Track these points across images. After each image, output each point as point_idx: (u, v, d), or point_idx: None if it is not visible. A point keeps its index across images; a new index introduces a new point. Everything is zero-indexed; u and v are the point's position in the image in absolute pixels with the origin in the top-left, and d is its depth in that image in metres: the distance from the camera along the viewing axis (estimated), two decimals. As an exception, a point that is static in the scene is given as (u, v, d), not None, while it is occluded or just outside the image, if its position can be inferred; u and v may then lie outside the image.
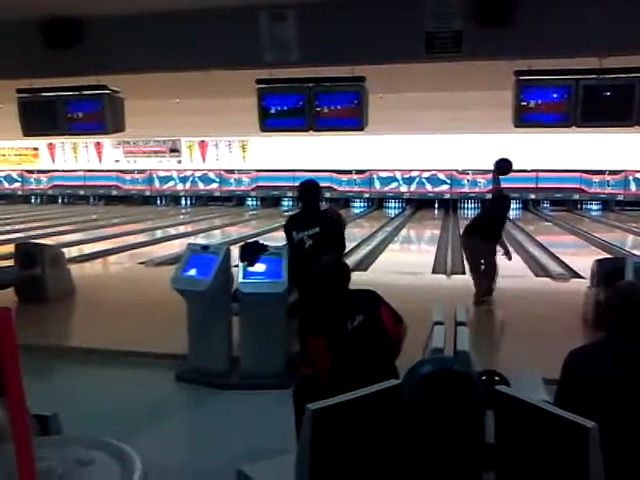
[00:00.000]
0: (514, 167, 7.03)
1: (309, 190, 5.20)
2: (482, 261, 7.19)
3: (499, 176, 7.20)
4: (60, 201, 26.19)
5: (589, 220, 19.31)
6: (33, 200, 26.68)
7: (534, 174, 21.03)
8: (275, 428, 3.43)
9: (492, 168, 7.23)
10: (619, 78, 5.83)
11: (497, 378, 2.55)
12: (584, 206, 22.35)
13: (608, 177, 21.82)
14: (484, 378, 2.52)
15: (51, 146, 25.31)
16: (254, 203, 24.67)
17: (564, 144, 19.78)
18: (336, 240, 5.05)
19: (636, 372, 2.30)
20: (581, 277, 8.34)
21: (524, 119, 6.19)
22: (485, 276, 7.19)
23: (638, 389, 2.26)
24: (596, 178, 21.88)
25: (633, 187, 21.85)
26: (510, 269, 8.80)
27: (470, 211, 22.66)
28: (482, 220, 7.56)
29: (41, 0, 5.48)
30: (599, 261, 6.52)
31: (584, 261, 8.00)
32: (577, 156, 20.72)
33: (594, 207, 22.36)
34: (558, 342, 3.04)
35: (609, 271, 5.66)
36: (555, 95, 6.04)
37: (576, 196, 21.96)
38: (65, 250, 9.03)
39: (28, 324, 6.25)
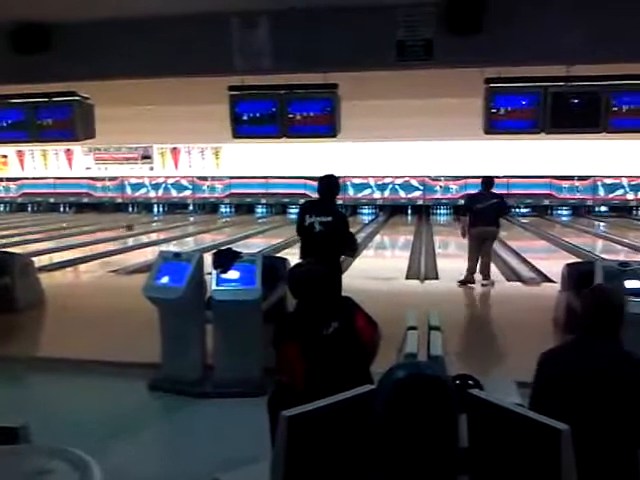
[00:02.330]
0: (486, 174, 7.95)
1: (327, 183, 5.73)
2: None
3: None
4: (30, 209, 25.80)
5: (559, 225, 19.62)
6: (2, 208, 26.26)
7: (505, 180, 21.36)
8: (250, 436, 3.40)
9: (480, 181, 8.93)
10: (586, 85, 5.95)
11: (471, 382, 2.56)
12: (554, 211, 22.71)
13: (577, 183, 22.23)
14: (458, 382, 2.54)
15: (20, 153, 24.95)
16: (227, 210, 24.59)
17: (534, 150, 20.11)
18: (343, 232, 5.61)
19: (606, 373, 2.33)
20: (552, 281, 8.45)
21: (494, 126, 6.27)
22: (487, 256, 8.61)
23: (608, 390, 2.30)
24: (565, 184, 22.27)
25: (601, 192, 22.27)
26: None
27: (442, 217, 22.89)
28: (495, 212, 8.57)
29: (9, 5, 5.40)
30: (569, 265, 6.61)
31: (555, 265, 8.12)
32: (547, 162, 21.07)
33: (564, 212, 22.74)
34: (530, 345, 3.07)
35: (579, 274, 5.74)
36: (524, 102, 6.13)
37: (546, 202, 22.31)
38: (35, 259, 8.89)
39: (-3, 334, 6.15)
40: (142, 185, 24.90)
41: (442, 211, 23.12)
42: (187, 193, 24.72)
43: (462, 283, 8.54)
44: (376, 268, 11.17)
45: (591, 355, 2.41)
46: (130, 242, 15.78)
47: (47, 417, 3.43)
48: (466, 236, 8.64)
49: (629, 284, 4.57)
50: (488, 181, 8.75)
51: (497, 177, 8.82)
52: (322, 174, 6.01)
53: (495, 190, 8.86)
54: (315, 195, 6.13)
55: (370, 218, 22.55)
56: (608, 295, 2.58)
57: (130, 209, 25.35)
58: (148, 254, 11.92)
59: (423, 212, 22.73)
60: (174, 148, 24.04)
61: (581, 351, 2.45)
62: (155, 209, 25.32)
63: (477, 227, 8.40)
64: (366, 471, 2.22)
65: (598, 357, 2.39)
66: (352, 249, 5.98)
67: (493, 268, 8.67)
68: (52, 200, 25.64)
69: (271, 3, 5.55)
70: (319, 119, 6.47)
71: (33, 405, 4.24)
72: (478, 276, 8.55)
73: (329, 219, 5.52)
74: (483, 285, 8.52)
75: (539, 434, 1.93)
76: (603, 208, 22.57)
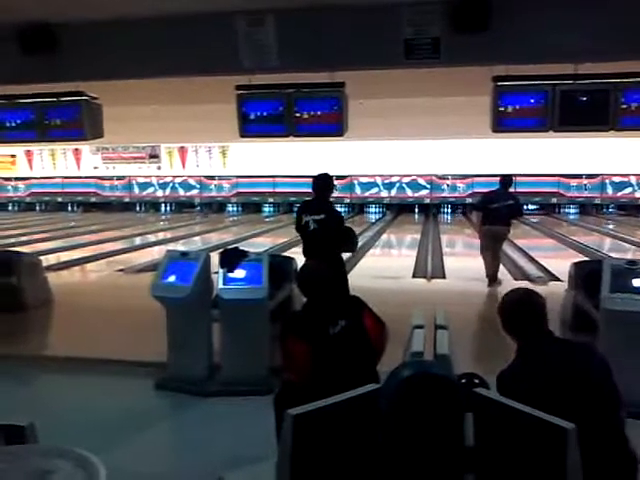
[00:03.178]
0: (493, 172, 7.91)
1: (320, 182, 5.85)
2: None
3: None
4: (38, 208, 25.91)
5: (567, 223, 19.53)
6: (10, 207, 26.36)
7: (513, 179, 21.26)
8: (256, 435, 3.41)
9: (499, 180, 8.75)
10: (595, 83, 5.92)
11: (476, 381, 2.55)
12: (562, 210, 22.62)
13: (585, 181, 22.12)
14: (464, 381, 2.53)
15: (29, 153, 25.05)
16: (235, 209, 24.62)
17: (542, 149, 20.02)
18: (337, 229, 5.73)
19: (565, 365, 2.38)
20: (559, 280, 8.42)
21: (502, 124, 6.25)
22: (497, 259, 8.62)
23: (573, 378, 2.34)
24: (574, 182, 22.16)
25: (610, 190, 22.16)
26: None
27: (449, 215, 22.83)
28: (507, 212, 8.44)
29: (17, 6, 5.43)
30: (577, 264, 6.57)
31: (562, 264, 8.08)
32: (555, 160, 20.97)
33: (572, 210, 22.64)
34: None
35: (587, 273, 5.71)
36: (532, 100, 6.10)
37: (554, 200, 22.21)
38: (43, 258, 8.93)
39: (5, 333, 6.18)
40: (150, 184, 24.95)
41: (449, 209, 23.09)
42: (194, 192, 24.76)
43: (490, 284, 8.44)
44: (383, 267, 11.16)
45: (540, 356, 2.44)
46: (137, 241, 15.83)
47: (54, 416, 3.44)
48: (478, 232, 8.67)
49: (637, 283, 4.54)
50: (508, 181, 8.66)
51: (504, 175, 8.67)
52: (330, 173, 6.06)
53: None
54: None
55: (377, 217, 22.53)
56: (523, 294, 2.65)
57: (138, 208, 25.42)
58: (155, 253, 11.95)
59: (430, 211, 22.68)
60: (181, 147, 24.07)
61: (529, 356, 2.49)
62: (162, 208, 25.38)
63: (488, 225, 8.37)
64: (372, 469, 2.22)
65: (547, 355, 2.45)
66: (351, 243, 6.01)
67: (501, 267, 8.62)
68: (60, 199, 25.73)
69: (277, 2, 5.55)
70: (326, 118, 6.46)
71: (40, 404, 4.27)
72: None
73: (322, 217, 5.67)
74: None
75: (545, 433, 1.93)
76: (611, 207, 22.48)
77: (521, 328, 2.54)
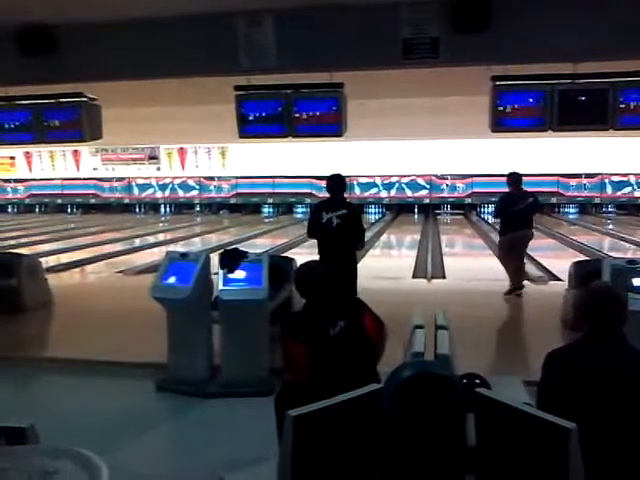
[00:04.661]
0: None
1: (336, 181, 6.14)
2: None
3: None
4: (37, 210, 25.91)
5: (567, 223, 19.53)
6: (10, 209, 26.36)
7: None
8: (257, 436, 3.41)
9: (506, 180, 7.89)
10: (593, 83, 5.91)
11: (478, 381, 2.55)
12: (562, 209, 22.63)
13: (585, 180, 22.12)
14: (465, 381, 2.53)
15: (28, 155, 25.05)
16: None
17: (541, 148, 20.01)
18: (357, 223, 6.08)
19: (614, 370, 2.32)
20: (559, 279, 8.42)
21: (501, 124, 6.25)
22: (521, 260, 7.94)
23: (615, 388, 2.28)
24: (573, 182, 22.17)
25: (609, 190, 22.16)
26: (490, 272, 8.88)
27: (449, 216, 22.84)
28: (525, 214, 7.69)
29: (15, 8, 5.42)
30: (577, 263, 6.58)
31: (562, 264, 8.08)
32: (554, 160, 20.97)
33: (572, 210, 22.65)
34: (538, 344, 3.06)
35: (587, 273, 5.71)
36: (531, 100, 6.10)
37: (554, 199, 22.21)
38: (42, 260, 8.92)
39: (5, 335, 6.18)
40: (149, 185, 24.96)
41: (448, 209, 23.12)
42: (194, 193, 24.76)
43: (508, 293, 7.74)
44: (383, 267, 11.16)
45: (598, 352, 2.39)
46: (137, 242, 15.82)
47: (54, 417, 3.44)
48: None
49: (637, 282, 4.54)
50: (518, 179, 7.73)
51: (503, 175, 8.24)
52: (329, 173, 6.21)
53: (507, 189, 7.89)
54: (321, 195, 6.28)
55: (377, 217, 22.53)
56: (611, 292, 2.56)
57: (137, 210, 25.42)
58: (155, 254, 11.94)
59: (430, 211, 22.69)
60: (181, 148, 24.08)
61: (588, 349, 2.43)
62: (162, 209, 25.37)
63: (511, 232, 7.59)
64: (373, 470, 2.22)
65: (607, 354, 2.38)
66: (361, 242, 6.24)
67: (501, 266, 8.25)
68: (59, 201, 25.75)
69: (276, 2, 5.55)
70: (325, 118, 6.46)
71: (41, 405, 4.26)
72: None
73: (344, 212, 5.89)
74: (515, 294, 7.70)
75: (547, 433, 1.93)
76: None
77: (598, 319, 2.45)
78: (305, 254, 5.71)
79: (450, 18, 5.41)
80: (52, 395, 4.78)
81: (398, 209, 23.21)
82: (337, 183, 6.13)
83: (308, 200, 21.76)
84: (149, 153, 24.38)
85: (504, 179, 7.92)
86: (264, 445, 2.94)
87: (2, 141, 7.58)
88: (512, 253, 7.78)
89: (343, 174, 6.35)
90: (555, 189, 22.15)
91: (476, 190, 22.21)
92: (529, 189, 8.50)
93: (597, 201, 22.40)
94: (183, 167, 24.46)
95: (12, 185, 25.96)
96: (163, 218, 23.79)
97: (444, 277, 9.82)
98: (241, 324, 4.69)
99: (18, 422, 1.96)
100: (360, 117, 7.62)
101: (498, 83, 6.10)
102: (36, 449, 1.82)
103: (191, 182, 24.59)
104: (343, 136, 6.66)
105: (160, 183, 24.83)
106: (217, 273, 4.83)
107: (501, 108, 6.14)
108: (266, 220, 22.06)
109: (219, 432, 4.03)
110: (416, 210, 23.26)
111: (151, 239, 16.62)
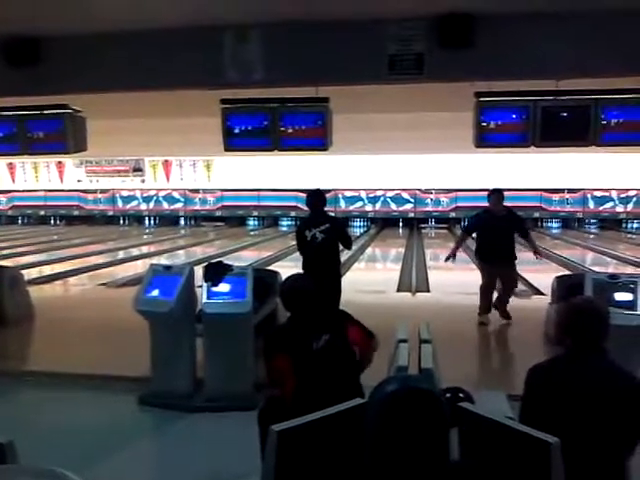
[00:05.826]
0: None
1: (314, 197, 6.26)
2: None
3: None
4: (20, 222, 25.67)
5: (549, 237, 19.69)
6: (-8, 221, 26.12)
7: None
8: (240, 451, 3.38)
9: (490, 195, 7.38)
10: (575, 99, 5.99)
11: (461, 395, 2.55)
12: (544, 224, 22.83)
13: (567, 195, 22.37)
14: (448, 395, 2.53)
15: (11, 166, 24.85)
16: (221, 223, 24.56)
17: (524, 163, 20.22)
18: (342, 233, 6.29)
19: (594, 385, 2.33)
20: (542, 294, 8.48)
21: (484, 139, 6.30)
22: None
23: (596, 402, 2.30)
24: (556, 196, 22.41)
25: (591, 205, 22.42)
26: (474, 286, 8.91)
27: (433, 230, 22.95)
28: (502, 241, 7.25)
29: (1, 19, 5.40)
30: (559, 277, 6.63)
31: (545, 278, 8.14)
32: (537, 175, 21.19)
33: (554, 225, 22.86)
34: (521, 358, 3.08)
35: (569, 287, 5.76)
36: (514, 116, 6.17)
37: (536, 214, 22.42)
38: (24, 272, 8.83)
39: (-15, 348, 6.10)
40: (133, 198, 24.86)
41: (433, 224, 23.25)
42: (179, 206, 24.69)
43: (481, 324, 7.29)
44: (367, 280, 11.18)
45: (579, 367, 2.41)
46: (121, 255, 15.71)
47: (34, 432, 3.40)
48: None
49: (619, 296, 4.58)
50: (501, 193, 7.33)
51: (487, 190, 7.95)
52: (314, 187, 6.29)
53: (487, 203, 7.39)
54: (306, 208, 6.30)
55: (362, 231, 22.58)
56: (592, 306, 2.58)
57: (121, 222, 25.28)
58: (138, 267, 11.87)
59: (415, 225, 22.80)
60: (166, 161, 24.02)
61: (567, 364, 2.45)
62: (147, 222, 25.25)
63: (488, 257, 7.27)
64: (357, 485, 2.20)
65: (586, 369, 2.40)
66: (348, 246, 6.44)
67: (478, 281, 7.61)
68: (42, 213, 25.55)
69: (263, 16, 5.58)
70: (311, 132, 6.48)
71: (20, 420, 4.20)
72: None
73: (328, 226, 6.02)
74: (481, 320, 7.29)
75: (529, 447, 1.93)
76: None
77: (578, 334, 2.46)
78: (290, 267, 5.71)
79: (435, 35, 5.47)
80: (32, 409, 4.72)
81: (383, 223, 23.30)
82: (315, 198, 6.25)
83: (293, 213, 21.78)
84: (133, 165, 24.29)
85: (487, 193, 7.48)
86: (247, 460, 2.92)
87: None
88: (491, 287, 7.35)
89: (327, 188, 6.40)
90: (538, 204, 22.37)
91: (460, 204, 22.33)
92: (512, 203, 8.27)
93: (579, 216, 22.64)
94: (168, 179, 24.38)
95: (-6, 196, 25.74)
96: (147, 230, 23.66)
97: (428, 291, 9.85)
98: (225, 338, 4.67)
99: (-3, 437, 1.92)
100: (345, 131, 7.66)
101: (482, 99, 6.16)
102: (15, 469, 1.79)
103: (176, 194, 24.51)
104: (328, 150, 6.68)
105: (145, 195, 24.73)
106: (201, 286, 4.81)
107: (485, 124, 6.20)
108: (251, 233, 22.04)
109: (202, 447, 3.99)
110: (401, 224, 23.37)
111: (135, 251, 16.53)
